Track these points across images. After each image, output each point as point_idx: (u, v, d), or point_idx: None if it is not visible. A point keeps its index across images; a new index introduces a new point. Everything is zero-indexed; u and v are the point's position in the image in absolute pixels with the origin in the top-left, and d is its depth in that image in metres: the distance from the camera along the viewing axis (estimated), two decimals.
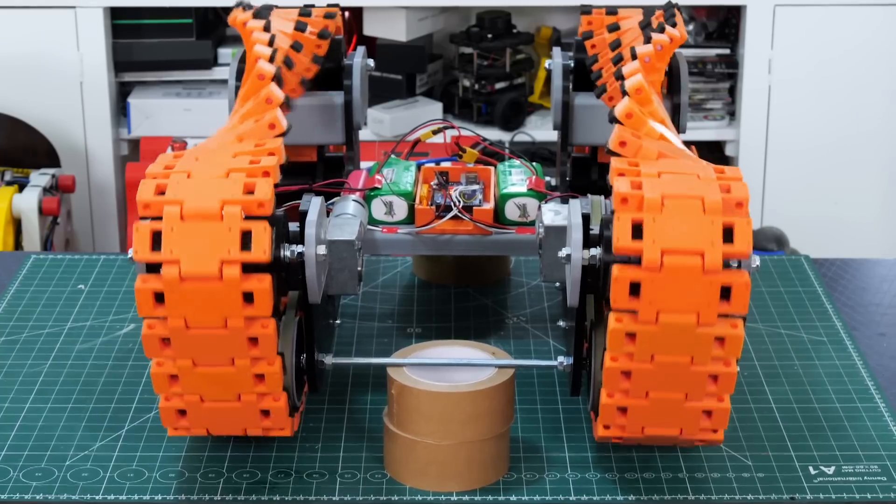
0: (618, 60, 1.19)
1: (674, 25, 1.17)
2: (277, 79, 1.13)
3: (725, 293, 0.98)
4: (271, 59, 1.14)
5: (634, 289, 0.98)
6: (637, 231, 0.98)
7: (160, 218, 0.99)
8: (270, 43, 1.16)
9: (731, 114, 2.85)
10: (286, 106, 1.15)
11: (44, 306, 1.37)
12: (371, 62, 1.35)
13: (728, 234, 0.98)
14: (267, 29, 1.18)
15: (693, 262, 0.97)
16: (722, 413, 1.04)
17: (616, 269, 0.98)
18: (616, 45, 1.23)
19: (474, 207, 1.23)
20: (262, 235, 0.99)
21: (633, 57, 1.13)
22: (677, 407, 1.04)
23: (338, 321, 1.32)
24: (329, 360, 1.16)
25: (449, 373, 1.09)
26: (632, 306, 0.99)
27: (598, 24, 1.32)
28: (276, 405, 1.06)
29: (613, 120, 1.07)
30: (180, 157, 1.06)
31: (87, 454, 1.13)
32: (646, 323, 0.99)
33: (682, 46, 1.21)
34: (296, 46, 1.24)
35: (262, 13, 1.22)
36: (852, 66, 2.76)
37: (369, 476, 1.10)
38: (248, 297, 1.00)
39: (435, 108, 2.86)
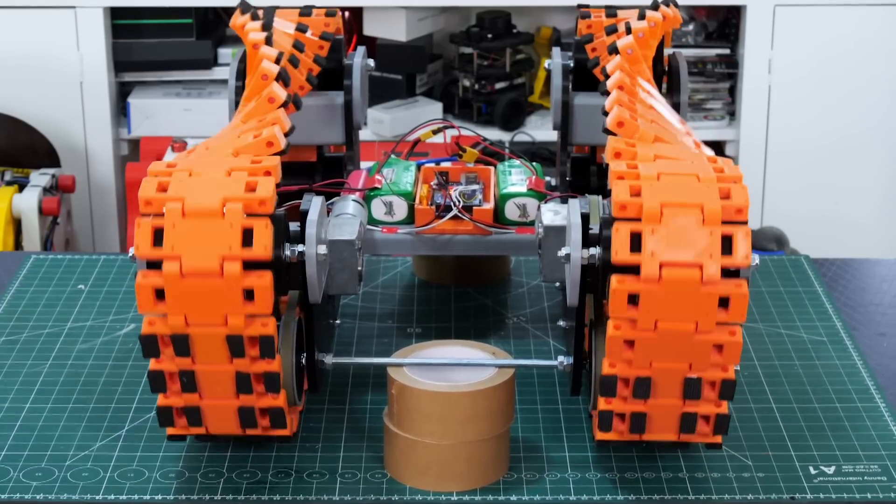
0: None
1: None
2: (283, 78, 1.13)
3: (724, 301, 0.98)
4: (277, 60, 1.14)
5: (633, 298, 0.98)
6: (635, 242, 0.98)
7: (162, 215, 0.99)
8: (268, 41, 1.16)
9: (731, 114, 2.85)
10: (294, 105, 1.15)
11: (44, 306, 1.37)
12: (371, 62, 1.35)
13: (727, 243, 0.98)
14: (268, 33, 1.18)
15: (691, 275, 0.97)
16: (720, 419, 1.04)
17: (615, 281, 0.98)
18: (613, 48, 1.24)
19: (474, 207, 1.23)
20: (264, 232, 0.99)
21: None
22: (675, 413, 1.04)
23: (338, 321, 1.32)
24: (329, 359, 1.16)
25: (449, 373, 1.09)
26: (630, 315, 0.99)
27: (597, 28, 1.32)
28: (276, 404, 1.06)
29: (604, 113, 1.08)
30: (189, 152, 1.06)
31: (88, 454, 1.13)
32: (644, 330, 0.99)
33: (682, 46, 1.22)
34: (298, 46, 1.24)
35: (265, 21, 1.22)
36: (852, 66, 2.76)
37: (369, 476, 1.10)
38: (249, 295, 1.00)
39: (435, 108, 2.86)
